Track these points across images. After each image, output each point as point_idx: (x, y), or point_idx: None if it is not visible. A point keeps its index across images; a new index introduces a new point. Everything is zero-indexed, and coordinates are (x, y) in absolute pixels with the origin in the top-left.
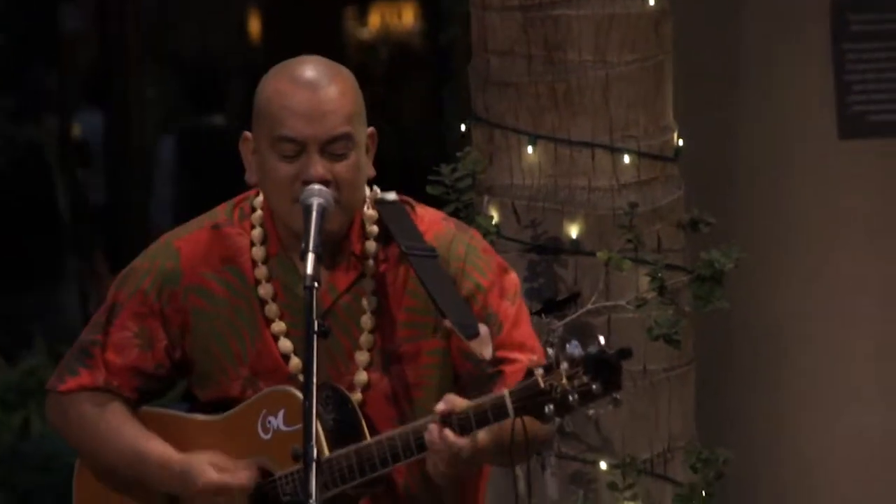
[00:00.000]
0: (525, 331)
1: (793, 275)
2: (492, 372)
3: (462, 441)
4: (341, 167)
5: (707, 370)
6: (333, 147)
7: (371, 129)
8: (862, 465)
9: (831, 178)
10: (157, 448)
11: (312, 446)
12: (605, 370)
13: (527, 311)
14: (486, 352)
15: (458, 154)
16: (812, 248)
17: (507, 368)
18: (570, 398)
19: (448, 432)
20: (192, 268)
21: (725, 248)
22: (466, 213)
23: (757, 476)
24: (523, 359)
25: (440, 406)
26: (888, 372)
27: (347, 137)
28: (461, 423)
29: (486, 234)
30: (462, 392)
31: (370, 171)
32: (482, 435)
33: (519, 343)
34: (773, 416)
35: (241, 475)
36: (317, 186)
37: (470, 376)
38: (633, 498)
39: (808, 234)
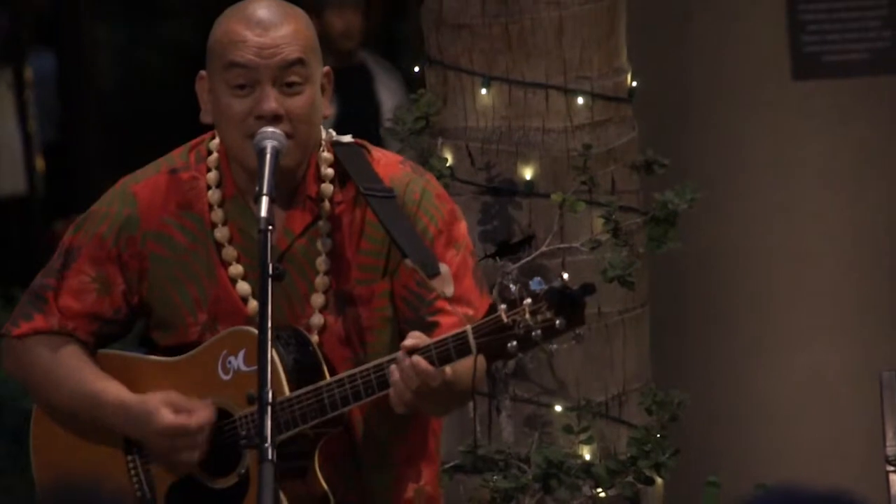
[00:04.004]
0: (466, 284)
1: (747, 215)
2: (430, 321)
3: (434, 370)
4: (295, 102)
5: (662, 312)
6: (287, 75)
7: (327, 68)
8: (817, 405)
9: (785, 118)
10: (114, 390)
11: (268, 390)
12: (569, 306)
13: (472, 262)
14: (448, 290)
15: (412, 96)
16: (766, 189)
17: (444, 320)
18: (534, 334)
19: (421, 360)
20: (150, 213)
21: (679, 189)
22: (420, 156)
23: (712, 417)
24: (459, 312)
25: (407, 342)
26: (843, 310)
27: (301, 63)
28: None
29: (440, 177)
30: (402, 338)
31: (326, 111)
32: (447, 368)
33: (457, 296)
34: (728, 357)
35: (198, 415)
36: (270, 129)
37: (408, 323)
38: (589, 440)
39: (762, 174)
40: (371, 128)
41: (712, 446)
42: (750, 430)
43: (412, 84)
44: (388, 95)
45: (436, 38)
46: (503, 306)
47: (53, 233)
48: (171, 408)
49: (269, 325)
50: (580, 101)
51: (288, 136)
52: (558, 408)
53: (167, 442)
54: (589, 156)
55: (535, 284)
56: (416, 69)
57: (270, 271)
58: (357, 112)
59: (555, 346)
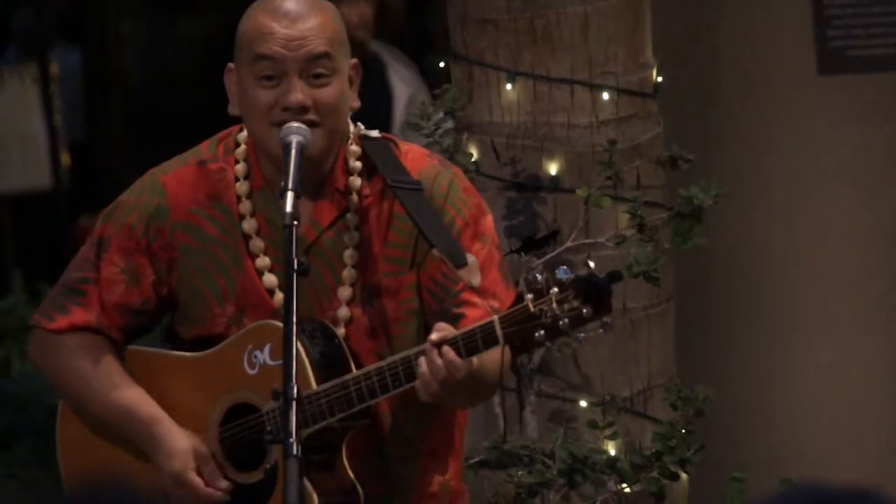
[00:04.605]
0: (492, 277)
1: (772, 210)
2: (456, 313)
3: (461, 361)
4: (323, 93)
5: (687, 307)
6: (313, 67)
7: (354, 60)
8: (843, 400)
9: (810, 113)
10: (146, 410)
11: (292, 385)
12: (596, 294)
13: (497, 256)
14: (476, 280)
15: (437, 91)
16: (791, 184)
17: (469, 313)
18: (561, 323)
19: (449, 351)
20: (179, 204)
21: (704, 185)
22: (445, 151)
23: (737, 413)
24: (484, 305)
25: (434, 333)
26: (867, 306)
27: (327, 56)
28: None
29: (465, 172)
30: (428, 330)
31: (354, 103)
32: (474, 359)
33: (483, 288)
34: (753, 353)
35: (214, 490)
36: (295, 124)
37: (434, 315)
38: (613, 436)
39: (787, 169)
40: (385, 117)
41: (737, 442)
42: (775, 426)
43: (438, 79)
44: (402, 85)
45: (461, 34)
46: (530, 296)
47: (79, 228)
48: (196, 461)
49: (294, 320)
50: (605, 96)
51: (315, 124)
52: (583, 403)
53: (174, 488)
54: (614, 151)
55: (562, 273)
56: (442, 64)
57: (295, 266)
58: (370, 102)
59: (582, 334)
